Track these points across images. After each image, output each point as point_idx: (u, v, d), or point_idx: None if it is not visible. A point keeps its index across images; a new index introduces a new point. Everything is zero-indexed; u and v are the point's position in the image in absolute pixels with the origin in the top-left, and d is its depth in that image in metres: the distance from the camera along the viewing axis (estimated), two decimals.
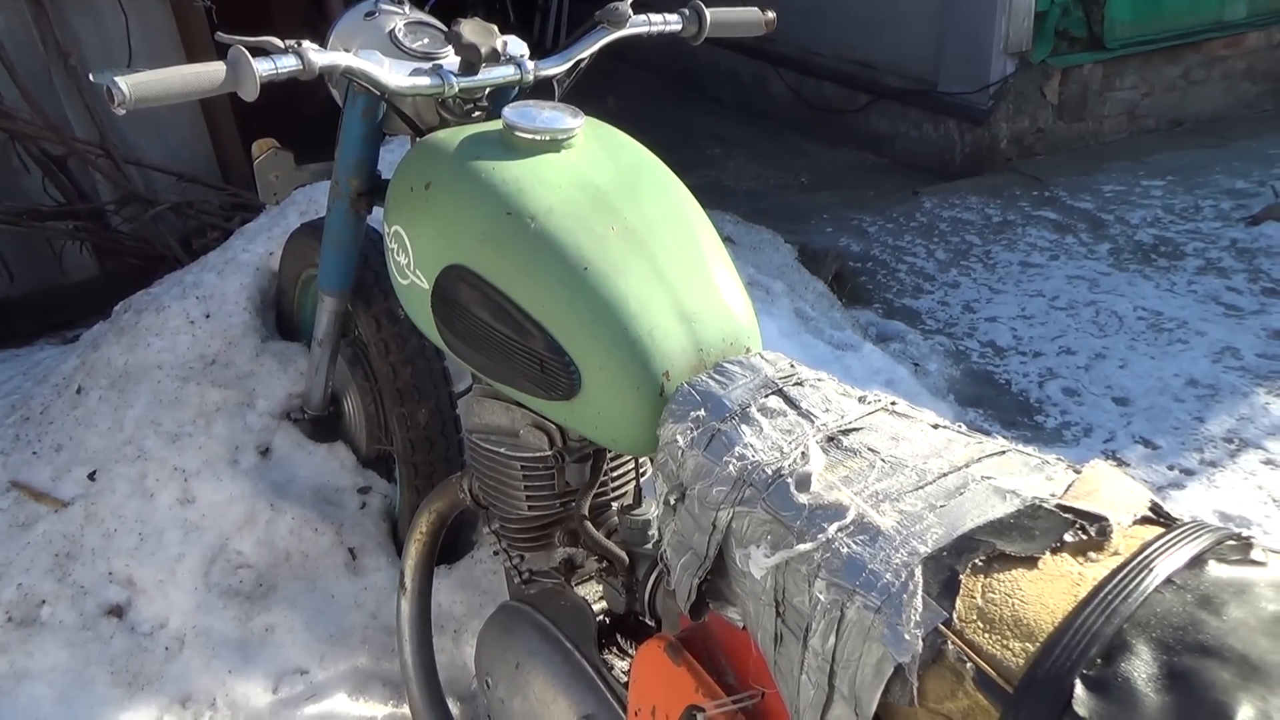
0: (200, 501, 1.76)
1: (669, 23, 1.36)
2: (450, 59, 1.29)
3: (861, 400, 0.92)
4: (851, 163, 4.81)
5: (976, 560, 0.67)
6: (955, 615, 0.64)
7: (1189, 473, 2.26)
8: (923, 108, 4.54)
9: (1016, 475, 0.76)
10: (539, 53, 1.30)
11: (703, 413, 0.91)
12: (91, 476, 1.82)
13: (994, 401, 2.61)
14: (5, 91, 2.94)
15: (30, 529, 1.75)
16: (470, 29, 1.23)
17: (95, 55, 3.19)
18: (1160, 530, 0.68)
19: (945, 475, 0.77)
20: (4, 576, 1.68)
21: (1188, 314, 2.97)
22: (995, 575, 0.66)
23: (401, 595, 1.46)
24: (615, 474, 1.24)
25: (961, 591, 0.65)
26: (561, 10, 7.11)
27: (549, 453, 1.16)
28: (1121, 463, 2.30)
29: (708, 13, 1.37)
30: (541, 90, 1.34)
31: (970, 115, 4.30)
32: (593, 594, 1.27)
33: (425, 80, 1.20)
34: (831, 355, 2.12)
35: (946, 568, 0.67)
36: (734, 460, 0.84)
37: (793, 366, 0.96)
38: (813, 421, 0.87)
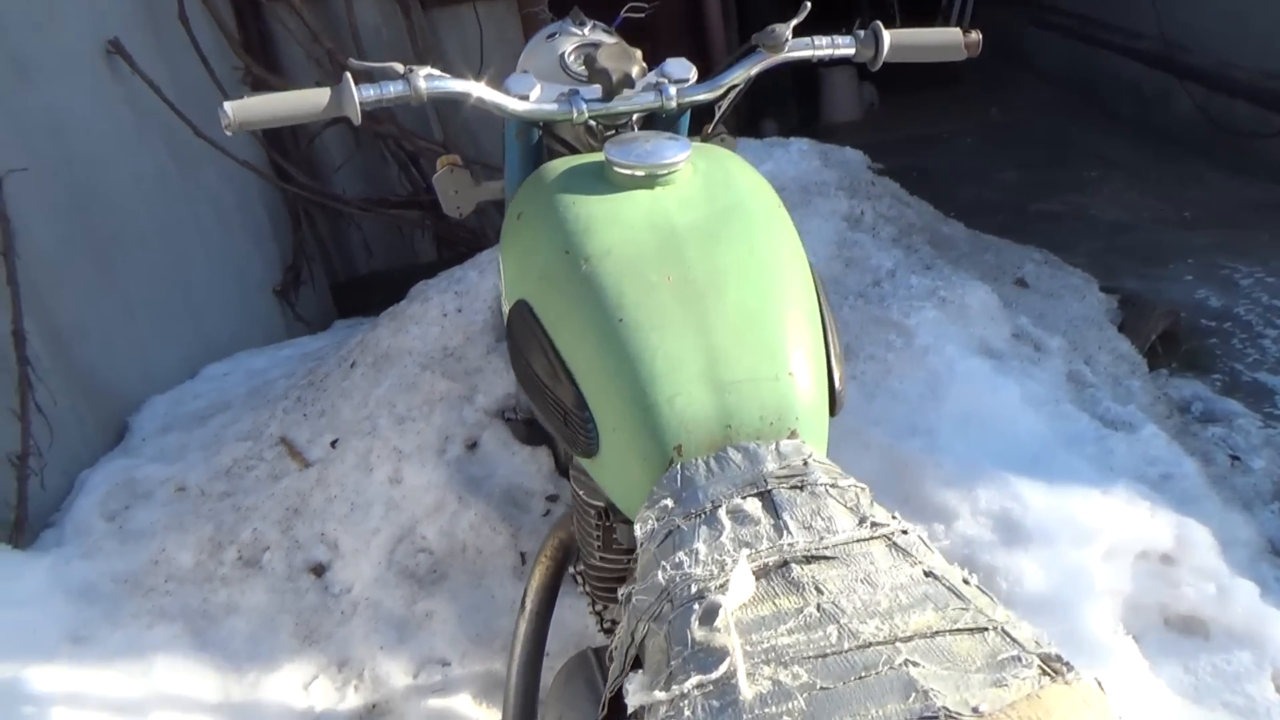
0: (405, 483, 1.90)
1: (839, 45, 1.21)
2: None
3: (868, 523, 0.75)
4: (1255, 198, 4.02)
5: None
6: None
7: None
8: None
9: (958, 669, 0.58)
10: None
11: (671, 503, 0.79)
12: (334, 444, 2.04)
13: None
14: None
15: (278, 482, 2.00)
16: (607, 54, 1.19)
17: (456, 59, 3.57)
18: None
19: (867, 646, 0.60)
20: (248, 519, 1.94)
21: None
22: None
23: (520, 615, 1.46)
24: None
25: None
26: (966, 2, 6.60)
27: (602, 505, 1.09)
28: None
29: (886, 34, 1.19)
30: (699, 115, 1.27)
31: None
32: None
33: (551, 106, 1.17)
34: (1093, 433, 1.77)
35: None
36: (669, 568, 0.73)
37: (806, 464, 0.81)
38: (780, 536, 0.72)
